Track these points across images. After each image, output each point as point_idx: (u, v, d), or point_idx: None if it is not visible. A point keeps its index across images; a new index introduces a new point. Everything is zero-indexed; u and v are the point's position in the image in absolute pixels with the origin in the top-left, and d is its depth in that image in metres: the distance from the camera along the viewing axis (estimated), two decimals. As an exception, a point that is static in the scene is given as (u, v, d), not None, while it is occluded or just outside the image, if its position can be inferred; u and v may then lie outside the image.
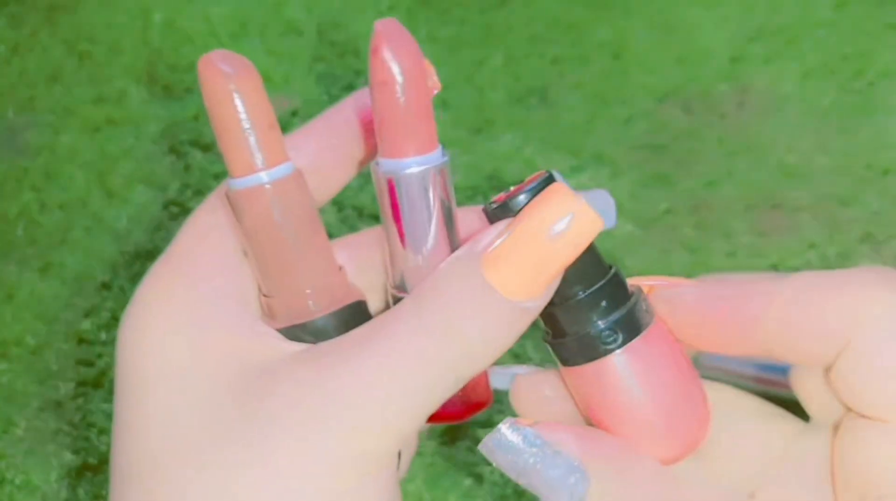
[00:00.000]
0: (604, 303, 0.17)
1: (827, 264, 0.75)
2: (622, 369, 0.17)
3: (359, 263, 0.20)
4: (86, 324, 0.75)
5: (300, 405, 0.16)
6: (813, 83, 0.87)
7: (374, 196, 0.18)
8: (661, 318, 0.18)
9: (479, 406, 0.21)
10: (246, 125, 0.17)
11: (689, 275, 0.71)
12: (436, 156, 0.18)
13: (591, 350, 0.17)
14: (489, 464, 0.66)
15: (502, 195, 0.17)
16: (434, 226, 0.18)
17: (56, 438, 0.69)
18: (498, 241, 0.16)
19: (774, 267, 0.75)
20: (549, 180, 0.17)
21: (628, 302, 0.17)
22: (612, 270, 0.18)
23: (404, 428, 0.16)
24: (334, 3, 0.97)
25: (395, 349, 0.16)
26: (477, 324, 0.16)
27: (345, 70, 0.91)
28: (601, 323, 0.17)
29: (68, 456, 0.67)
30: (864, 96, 0.86)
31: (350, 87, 0.89)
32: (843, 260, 0.75)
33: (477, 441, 0.72)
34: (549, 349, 0.18)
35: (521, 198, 0.17)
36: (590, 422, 0.18)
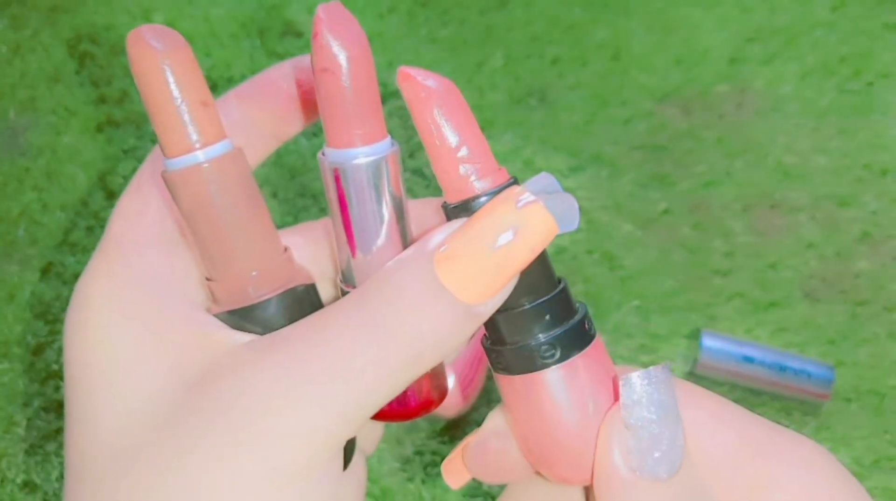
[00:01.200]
0: (547, 317, 0.17)
1: (826, 264, 0.75)
2: (553, 385, 0.17)
3: (311, 251, 0.19)
4: (87, 324, 0.75)
5: (232, 409, 0.15)
6: (811, 83, 0.88)
7: None
8: (601, 340, 0.17)
9: (428, 404, 0.20)
10: (179, 102, 0.16)
11: (687, 275, 0.72)
12: (384, 145, 0.17)
13: (527, 362, 0.17)
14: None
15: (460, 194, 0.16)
16: (382, 219, 0.17)
17: (57, 437, 0.69)
18: (452, 241, 0.15)
19: (773, 267, 0.75)
20: (514, 185, 0.16)
21: (571, 320, 0.17)
22: (561, 285, 0.17)
23: (340, 433, 0.15)
24: (334, 3, 0.97)
25: (334, 348, 0.15)
26: (426, 324, 0.15)
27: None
28: (541, 337, 0.17)
29: (69, 455, 0.68)
30: (863, 97, 0.86)
31: (350, 88, 0.89)
32: (841, 259, 0.75)
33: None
34: (486, 353, 0.18)
35: (483, 200, 0.16)
36: (514, 428, 0.18)
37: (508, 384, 0.17)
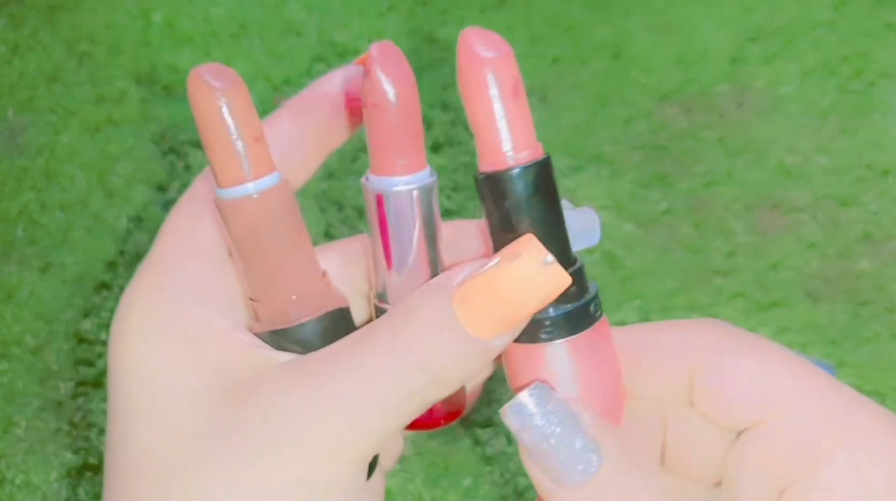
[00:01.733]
0: (566, 293, 0.18)
1: (827, 263, 0.75)
2: (555, 358, 0.18)
3: (347, 269, 0.21)
4: (86, 324, 0.75)
5: (267, 424, 0.16)
6: (812, 83, 0.87)
7: None
8: (606, 322, 0.19)
9: (453, 416, 0.22)
10: (234, 138, 0.18)
11: (688, 275, 0.72)
12: (423, 175, 0.18)
13: (532, 333, 0.18)
14: (489, 464, 0.66)
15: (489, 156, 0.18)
16: (417, 244, 0.19)
17: (56, 438, 0.69)
18: (472, 281, 0.17)
19: (774, 267, 0.75)
20: (547, 165, 0.18)
21: (582, 299, 0.18)
22: (577, 264, 0.19)
23: (366, 449, 0.17)
24: (334, 3, 0.97)
25: (363, 371, 0.17)
26: (444, 356, 0.17)
27: (345, 70, 0.91)
28: (551, 310, 0.18)
29: (68, 456, 0.67)
30: (864, 96, 0.86)
31: (350, 88, 0.89)
32: (843, 259, 0.75)
33: (478, 441, 0.72)
34: None
35: (516, 171, 0.17)
36: (513, 386, 0.19)
37: (515, 350, 0.18)
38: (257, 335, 0.19)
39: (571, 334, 0.18)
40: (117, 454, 0.18)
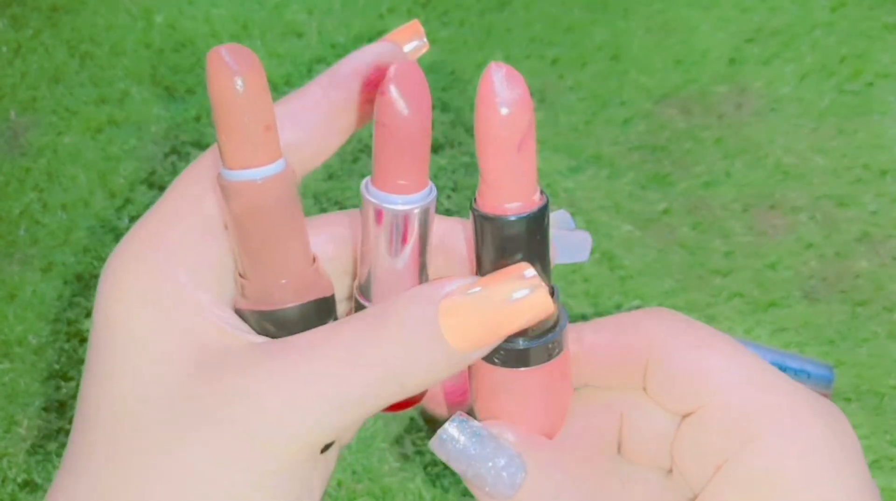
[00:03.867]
0: (532, 328, 0.19)
1: (825, 263, 0.75)
2: (529, 380, 0.19)
3: (334, 247, 0.21)
4: (88, 324, 0.75)
5: (233, 401, 0.17)
6: (811, 84, 0.88)
7: None
8: (567, 356, 0.20)
9: (412, 402, 0.22)
10: (245, 122, 0.18)
11: (687, 275, 0.72)
12: (422, 195, 0.19)
13: (511, 360, 0.19)
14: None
15: (485, 201, 0.18)
16: (407, 253, 0.19)
17: (58, 437, 0.69)
18: (458, 295, 0.17)
19: (772, 267, 0.75)
20: (543, 213, 0.18)
21: (554, 332, 0.19)
22: (556, 298, 0.19)
23: (317, 440, 0.17)
24: (335, 5, 0.97)
25: (331, 363, 0.17)
26: (420, 365, 0.17)
27: (345, 71, 0.92)
28: (522, 343, 0.19)
29: (70, 455, 0.68)
30: (862, 97, 0.86)
31: (350, 88, 0.89)
32: (841, 259, 0.75)
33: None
34: None
35: (512, 219, 0.17)
36: (475, 408, 0.21)
37: (489, 372, 0.19)
38: (241, 311, 0.19)
39: (530, 365, 0.19)
40: (88, 402, 0.18)
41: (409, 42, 0.22)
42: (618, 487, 0.19)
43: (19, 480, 0.67)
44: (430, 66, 0.91)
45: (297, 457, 0.17)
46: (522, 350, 0.19)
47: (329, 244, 0.21)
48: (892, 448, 0.65)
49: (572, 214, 0.83)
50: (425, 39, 0.21)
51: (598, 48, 0.92)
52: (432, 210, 0.19)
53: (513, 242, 0.18)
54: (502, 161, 0.18)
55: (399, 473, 0.65)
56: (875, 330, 0.71)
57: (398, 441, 0.67)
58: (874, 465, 0.64)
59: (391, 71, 0.17)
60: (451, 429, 0.19)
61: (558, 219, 0.20)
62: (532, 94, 0.98)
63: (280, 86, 0.90)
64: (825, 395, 0.66)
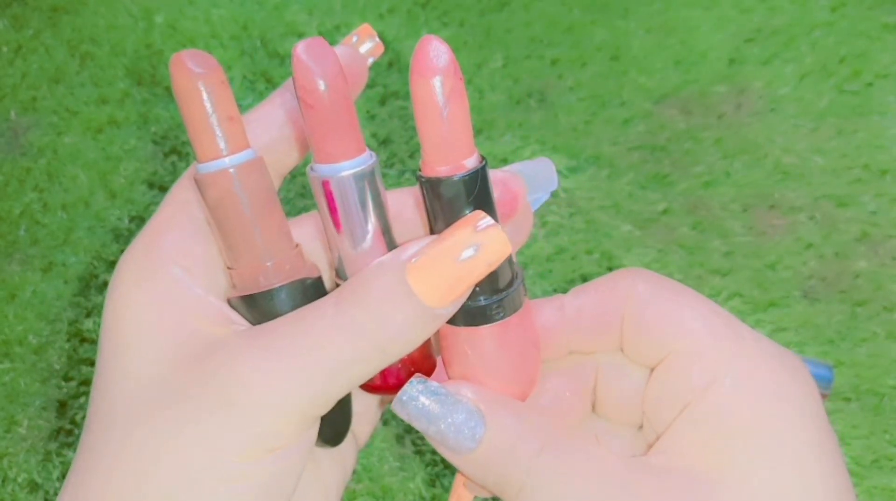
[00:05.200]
0: (490, 283, 0.20)
1: (824, 263, 0.75)
2: (493, 338, 0.20)
3: (316, 246, 0.22)
4: (88, 324, 0.75)
5: (219, 384, 0.18)
6: (810, 84, 0.88)
7: None
8: (528, 302, 0.21)
9: (395, 386, 0.22)
10: (212, 117, 0.19)
11: (686, 275, 0.72)
12: (363, 159, 0.20)
13: (471, 318, 0.20)
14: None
15: (429, 170, 0.19)
16: (366, 221, 0.20)
17: (58, 437, 0.69)
18: (423, 254, 0.18)
19: (772, 267, 0.76)
20: (483, 173, 0.19)
21: (510, 288, 0.20)
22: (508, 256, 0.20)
23: (310, 409, 0.18)
24: (335, 5, 0.97)
25: (309, 338, 0.18)
26: (396, 325, 0.18)
27: (345, 71, 0.92)
28: (482, 300, 0.20)
29: (70, 455, 0.68)
30: (862, 97, 0.86)
31: (350, 89, 0.89)
32: (840, 259, 0.75)
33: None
34: None
35: (455, 179, 0.19)
36: (448, 375, 0.22)
37: (454, 333, 0.21)
38: (232, 301, 0.21)
39: (490, 321, 0.20)
40: (105, 394, 0.19)
41: (363, 44, 0.23)
42: (592, 442, 0.20)
43: (20, 480, 0.67)
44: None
45: (292, 428, 0.18)
46: (481, 306, 0.20)
47: (313, 238, 0.22)
48: (892, 448, 0.65)
49: (571, 215, 0.83)
50: (378, 40, 0.22)
51: (598, 48, 0.92)
52: (377, 174, 0.20)
53: (456, 201, 0.19)
54: (430, 126, 0.19)
55: (399, 473, 0.66)
56: (874, 330, 0.71)
57: (398, 441, 0.67)
58: (873, 465, 0.65)
59: (296, 51, 0.19)
60: (410, 390, 0.20)
61: (539, 167, 0.21)
62: (532, 94, 0.98)
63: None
64: (824, 395, 0.66)
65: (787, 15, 0.94)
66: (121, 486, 0.18)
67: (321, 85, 0.19)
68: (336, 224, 0.20)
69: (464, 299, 0.19)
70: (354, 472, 0.71)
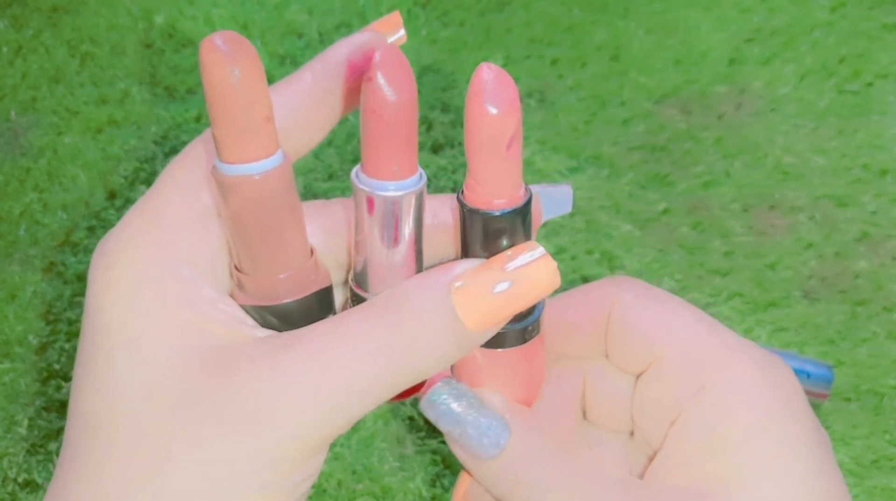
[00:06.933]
0: (521, 313, 0.20)
1: (825, 263, 0.75)
2: (516, 358, 0.21)
3: (326, 239, 0.21)
4: (88, 324, 0.75)
5: (239, 402, 0.17)
6: (810, 84, 0.88)
7: None
8: (543, 337, 0.21)
9: (414, 391, 0.22)
10: (243, 115, 0.17)
11: (687, 275, 0.73)
12: (413, 181, 0.19)
13: (498, 343, 0.20)
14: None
15: (472, 196, 0.19)
16: (402, 241, 0.19)
17: (59, 437, 0.70)
18: (469, 277, 0.18)
19: (772, 267, 0.76)
20: (527, 207, 0.19)
21: (533, 315, 0.20)
22: None
23: (332, 432, 0.17)
24: (335, 5, 0.97)
25: (344, 355, 0.17)
26: (436, 346, 0.17)
27: (345, 71, 0.92)
28: (509, 326, 0.20)
29: (71, 455, 0.68)
30: (862, 97, 0.86)
31: (350, 89, 0.89)
32: (840, 259, 0.75)
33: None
34: None
35: (497, 215, 0.18)
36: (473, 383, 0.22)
37: (485, 354, 0.21)
38: (242, 306, 0.19)
39: (507, 346, 0.20)
40: (90, 400, 0.18)
41: (390, 33, 0.22)
42: (586, 451, 0.20)
43: (20, 480, 0.67)
44: (430, 66, 0.91)
45: (311, 451, 0.17)
46: (503, 333, 0.20)
47: (320, 235, 0.20)
48: (892, 448, 0.65)
49: (571, 215, 0.83)
50: (403, 31, 0.21)
51: (598, 48, 0.92)
52: (424, 196, 0.19)
53: (499, 233, 0.19)
54: (491, 161, 0.18)
55: (399, 473, 0.66)
56: (874, 330, 0.71)
57: (398, 441, 0.67)
58: (874, 465, 0.65)
59: (377, 57, 0.17)
60: (439, 390, 0.19)
61: (559, 192, 0.21)
62: (532, 94, 0.99)
63: (280, 87, 0.90)
64: (824, 395, 0.66)
65: (787, 15, 0.94)
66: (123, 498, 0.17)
67: (395, 97, 0.17)
68: (371, 236, 0.19)
69: (502, 325, 0.18)
70: (354, 472, 0.70)
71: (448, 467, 0.67)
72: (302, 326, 0.18)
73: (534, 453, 0.19)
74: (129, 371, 0.17)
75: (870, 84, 0.87)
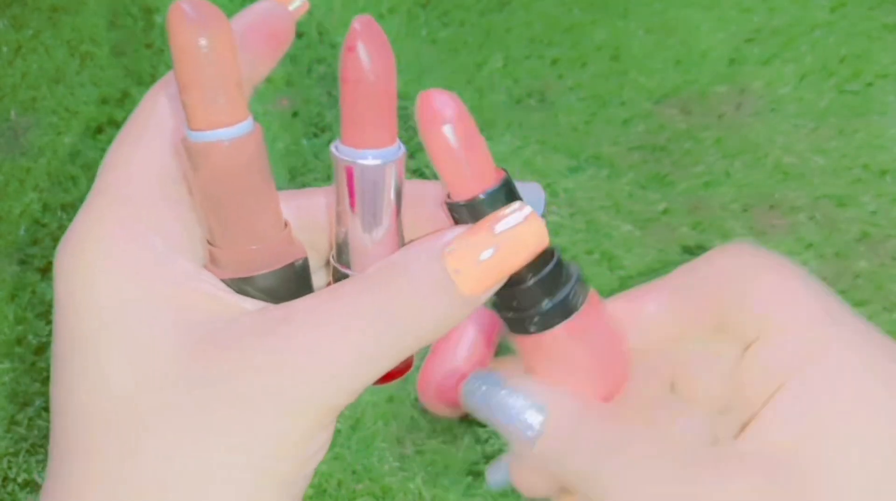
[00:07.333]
0: (547, 287, 0.19)
1: (825, 263, 0.75)
2: (563, 339, 0.20)
3: (302, 222, 0.20)
4: (88, 324, 0.75)
5: (244, 380, 0.16)
6: (810, 84, 0.88)
7: None
8: (595, 293, 0.21)
9: (405, 369, 0.22)
10: (213, 79, 0.17)
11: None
12: (392, 150, 0.19)
13: (538, 325, 0.20)
14: (488, 463, 0.66)
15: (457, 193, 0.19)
16: (382, 212, 0.19)
17: (58, 437, 0.70)
18: (459, 241, 0.18)
19: (772, 267, 0.76)
20: (507, 184, 0.19)
21: (569, 284, 0.20)
22: (555, 256, 0.20)
23: (339, 403, 0.17)
24: (335, 5, 0.97)
25: (343, 325, 0.17)
26: (430, 310, 0.17)
27: (345, 71, 0.92)
28: (543, 307, 0.19)
29: (71, 455, 0.68)
30: (862, 97, 0.86)
31: (350, 89, 0.90)
32: (840, 259, 0.75)
33: (478, 439, 0.72)
34: (502, 320, 0.21)
35: (482, 197, 0.19)
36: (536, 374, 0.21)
37: (528, 342, 0.20)
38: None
39: (561, 321, 0.20)
40: (78, 394, 0.17)
41: (291, 2, 0.21)
42: (668, 425, 0.19)
43: (20, 480, 0.67)
44: (430, 66, 0.91)
45: (319, 424, 0.17)
46: (546, 310, 0.19)
47: (296, 220, 0.20)
48: (892, 448, 0.65)
49: (571, 215, 0.83)
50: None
51: (598, 48, 0.92)
52: (403, 167, 0.19)
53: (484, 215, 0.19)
54: (452, 166, 0.18)
55: (399, 473, 0.65)
56: (874, 330, 0.71)
57: (398, 441, 0.67)
58: (874, 465, 0.65)
59: (355, 26, 0.17)
60: (473, 381, 0.20)
61: (527, 190, 0.21)
62: (532, 94, 0.98)
63: (281, 87, 0.90)
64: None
65: (787, 15, 0.94)
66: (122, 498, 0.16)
67: (374, 65, 0.17)
68: (352, 210, 0.19)
69: (497, 287, 0.18)
70: (354, 472, 0.70)
71: (448, 467, 0.67)
72: (280, 298, 0.18)
73: (579, 431, 0.19)
74: (117, 358, 0.17)
75: (870, 84, 0.87)
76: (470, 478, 0.66)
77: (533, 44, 0.93)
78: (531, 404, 0.19)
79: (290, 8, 0.22)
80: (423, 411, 0.69)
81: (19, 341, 0.74)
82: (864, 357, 0.18)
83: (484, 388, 0.20)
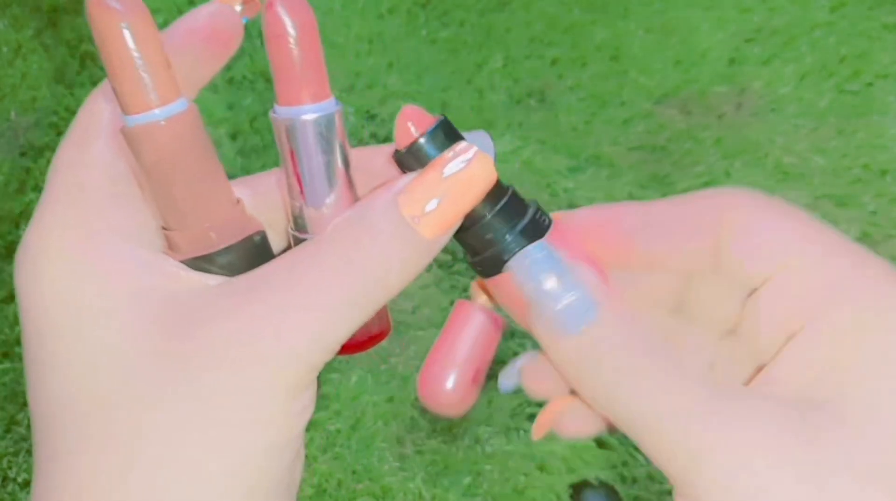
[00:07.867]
0: (507, 219, 0.20)
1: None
2: (529, 266, 0.20)
3: (257, 201, 0.20)
4: (88, 324, 0.75)
5: (215, 357, 0.17)
6: (810, 84, 0.88)
7: None
8: (559, 220, 0.21)
9: (381, 336, 0.22)
10: (138, 62, 0.17)
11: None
12: (329, 104, 0.19)
13: (510, 252, 0.20)
14: (489, 462, 0.66)
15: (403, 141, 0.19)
16: (330, 169, 0.19)
17: (58, 437, 0.70)
18: (413, 186, 0.18)
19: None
20: (445, 123, 0.19)
21: (527, 214, 0.20)
22: (510, 190, 0.20)
23: (318, 359, 0.17)
24: (335, 5, 0.97)
25: (312, 284, 0.17)
26: (393, 257, 0.18)
27: (345, 71, 0.92)
28: (509, 237, 0.19)
29: (71, 455, 0.68)
30: (862, 97, 0.86)
31: (350, 89, 0.90)
32: (840, 260, 0.76)
33: (477, 439, 0.72)
34: (472, 267, 0.21)
35: (422, 141, 0.19)
36: (517, 319, 0.21)
37: (499, 284, 0.20)
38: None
39: (532, 240, 0.20)
40: (50, 397, 0.17)
41: (237, 2, 0.22)
42: (676, 342, 0.19)
43: (20, 480, 0.67)
44: (430, 66, 0.91)
45: (303, 381, 0.17)
46: (513, 239, 0.20)
47: (251, 199, 0.20)
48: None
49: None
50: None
51: (597, 48, 0.92)
52: (342, 120, 0.19)
53: (429, 155, 0.20)
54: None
55: (399, 473, 0.65)
56: (875, 330, 0.71)
57: (398, 441, 0.67)
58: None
59: None
60: (535, 250, 0.19)
61: (475, 139, 0.21)
62: (532, 94, 0.98)
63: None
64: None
65: (787, 15, 0.94)
66: (110, 492, 0.16)
67: (294, 19, 0.18)
68: (297, 170, 0.19)
69: (455, 227, 0.19)
70: (354, 472, 0.70)
71: (448, 467, 0.67)
72: (244, 272, 0.18)
73: (623, 336, 0.18)
74: (84, 356, 0.17)
75: (870, 84, 0.88)
76: (470, 478, 0.66)
77: (533, 44, 0.93)
78: (587, 300, 0.19)
79: (237, 9, 0.22)
80: (423, 411, 0.69)
81: (19, 341, 0.74)
82: (889, 301, 0.17)
83: (546, 264, 0.19)
